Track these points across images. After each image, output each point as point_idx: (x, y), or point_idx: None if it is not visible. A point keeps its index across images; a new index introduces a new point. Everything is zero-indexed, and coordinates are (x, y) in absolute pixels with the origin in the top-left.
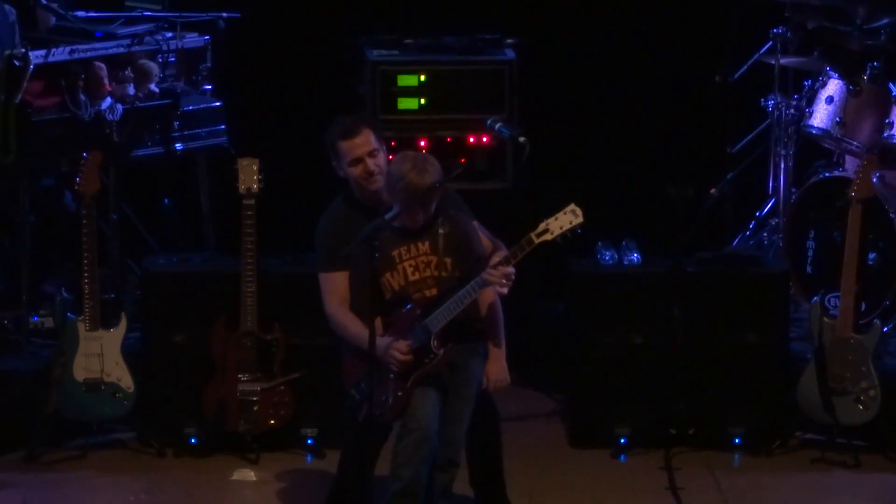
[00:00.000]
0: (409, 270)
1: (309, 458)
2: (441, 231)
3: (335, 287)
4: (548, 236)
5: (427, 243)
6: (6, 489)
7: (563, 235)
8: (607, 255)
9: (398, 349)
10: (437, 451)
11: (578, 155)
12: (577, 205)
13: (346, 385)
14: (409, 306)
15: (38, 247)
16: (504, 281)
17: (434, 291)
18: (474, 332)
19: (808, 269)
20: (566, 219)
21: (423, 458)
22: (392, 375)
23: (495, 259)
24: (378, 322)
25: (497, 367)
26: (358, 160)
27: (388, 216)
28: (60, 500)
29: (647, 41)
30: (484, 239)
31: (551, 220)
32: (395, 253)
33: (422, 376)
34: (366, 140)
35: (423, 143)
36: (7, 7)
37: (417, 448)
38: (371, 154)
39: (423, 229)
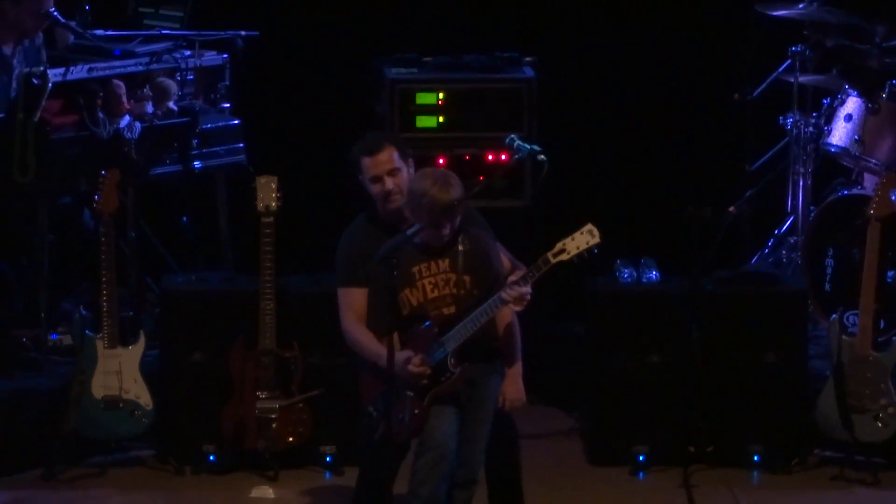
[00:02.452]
0: (429, 287)
1: (327, 475)
2: (461, 248)
3: (352, 303)
4: (564, 256)
5: (447, 261)
6: None
7: (580, 255)
8: (626, 273)
9: (413, 363)
10: (455, 470)
11: (597, 173)
12: (594, 225)
13: (363, 402)
14: (427, 324)
15: (57, 265)
16: (520, 300)
17: (452, 309)
18: (491, 351)
19: (827, 287)
20: (583, 239)
21: (441, 476)
22: (410, 394)
23: (512, 279)
24: (395, 338)
25: (513, 387)
26: (378, 178)
27: (409, 232)
28: None
29: (665, 59)
30: (504, 259)
31: (568, 239)
32: (415, 269)
33: (439, 394)
34: (388, 158)
35: (441, 161)
36: (40, 37)
37: (435, 466)
38: (391, 173)
39: (444, 247)
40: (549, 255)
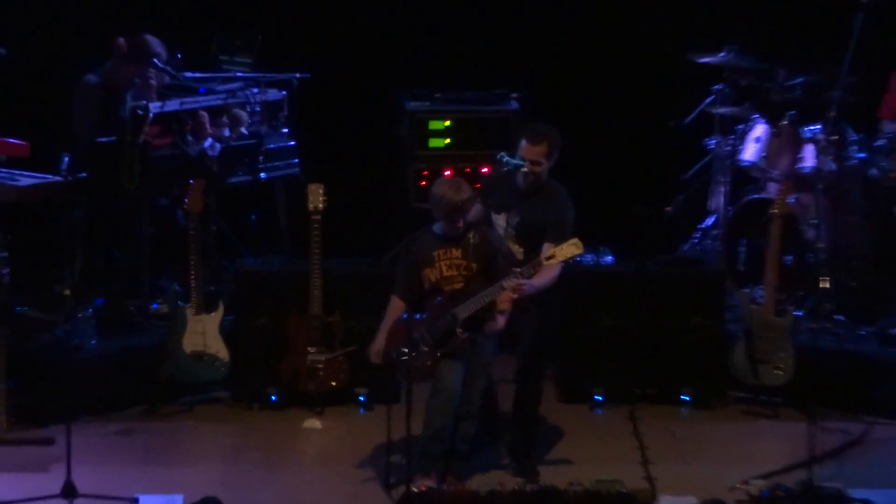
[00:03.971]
0: (444, 268)
1: (361, 410)
2: (472, 241)
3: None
4: (553, 261)
5: (460, 249)
6: (132, 435)
7: (565, 261)
8: (588, 258)
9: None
10: (459, 407)
11: (567, 181)
12: (580, 240)
13: (388, 351)
14: (439, 299)
15: (156, 252)
16: (516, 290)
17: (461, 286)
18: (485, 322)
19: (740, 268)
20: (570, 249)
21: (449, 412)
22: (425, 349)
23: (514, 272)
24: (398, 306)
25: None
26: (525, 161)
27: (433, 227)
28: (172, 443)
29: (620, 94)
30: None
31: (558, 248)
32: (434, 253)
33: (448, 352)
34: (465, 202)
35: (447, 173)
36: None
37: (445, 404)
38: (535, 163)
39: (458, 238)
40: (543, 258)
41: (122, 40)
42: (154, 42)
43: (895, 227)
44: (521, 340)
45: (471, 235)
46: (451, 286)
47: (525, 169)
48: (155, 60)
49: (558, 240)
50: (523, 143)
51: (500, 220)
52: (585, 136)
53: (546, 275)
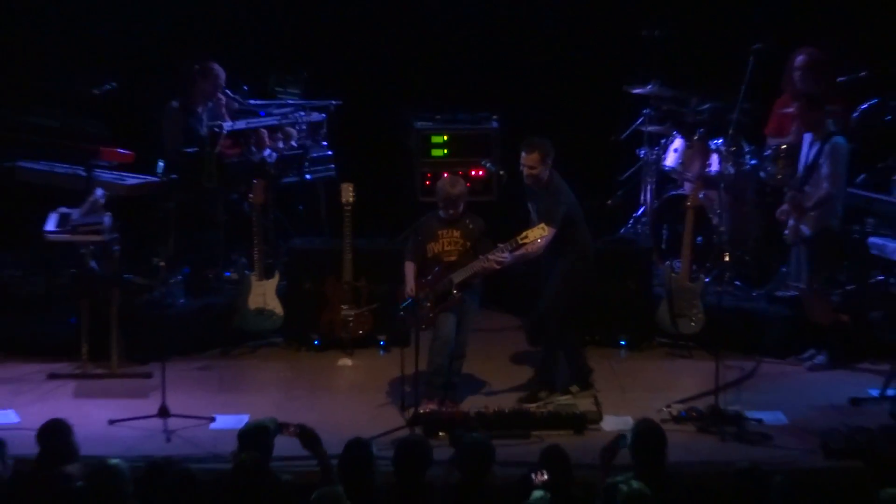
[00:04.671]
0: (445, 243)
1: (381, 352)
2: (468, 225)
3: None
4: (526, 240)
5: (458, 230)
6: (210, 371)
7: (536, 241)
8: None
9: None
10: (453, 350)
11: None
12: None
13: (398, 302)
14: (437, 269)
15: (228, 233)
16: (498, 262)
17: (455, 258)
18: (473, 286)
19: (664, 245)
20: (538, 231)
21: (446, 353)
22: (427, 304)
23: (498, 247)
24: (411, 268)
25: (500, 256)
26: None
27: (440, 211)
28: (240, 375)
29: (574, 116)
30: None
31: (530, 230)
32: (438, 232)
33: (445, 307)
34: (459, 195)
35: (445, 175)
36: (221, 98)
37: (443, 347)
38: (531, 168)
39: (457, 221)
40: (518, 238)
41: (196, 67)
42: (219, 70)
43: (775, 217)
44: (538, 303)
45: (468, 221)
46: (449, 258)
47: (524, 172)
48: (227, 91)
49: (546, 222)
50: (522, 152)
51: (531, 207)
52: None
53: (530, 249)
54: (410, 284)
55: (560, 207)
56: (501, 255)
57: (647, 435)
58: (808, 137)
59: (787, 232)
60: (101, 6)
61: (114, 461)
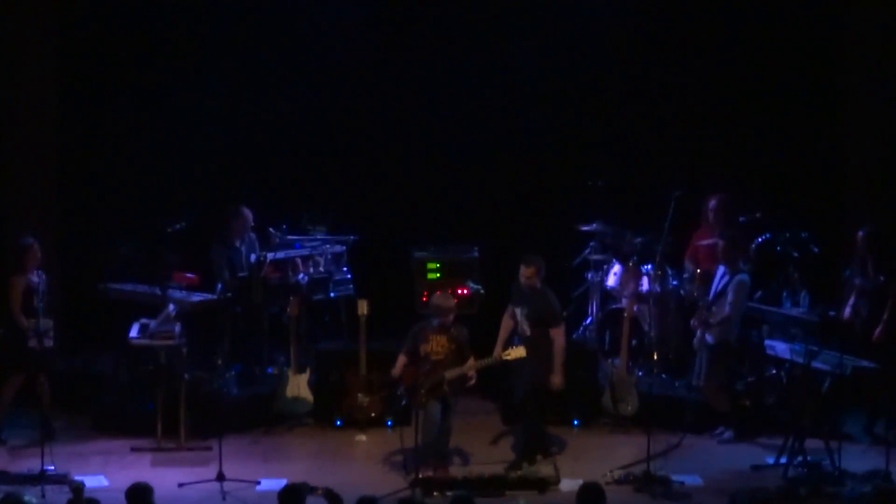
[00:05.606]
0: (434, 345)
1: (389, 430)
2: (454, 333)
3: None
4: (508, 357)
5: (445, 336)
6: (257, 444)
7: (515, 360)
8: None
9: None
10: (440, 428)
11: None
12: (524, 347)
13: (399, 393)
14: (427, 366)
15: (271, 338)
16: (471, 379)
17: (441, 357)
18: (456, 383)
19: (606, 347)
20: (518, 351)
21: (435, 430)
22: (423, 391)
23: (477, 360)
24: (402, 364)
25: (556, 379)
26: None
27: (433, 321)
28: (279, 448)
29: (535, 247)
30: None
31: (512, 349)
32: (430, 336)
33: (434, 396)
34: (449, 308)
35: (437, 293)
36: (252, 235)
37: (432, 427)
38: (529, 278)
39: (445, 329)
40: (503, 355)
41: (232, 210)
42: (247, 212)
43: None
44: (516, 392)
45: (454, 330)
46: (436, 357)
47: (522, 281)
48: (271, 228)
49: (552, 321)
50: (521, 266)
51: (518, 311)
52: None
53: (557, 348)
54: (398, 370)
55: (557, 307)
56: (472, 373)
57: (590, 493)
58: (721, 269)
59: (695, 341)
60: (173, 163)
61: None
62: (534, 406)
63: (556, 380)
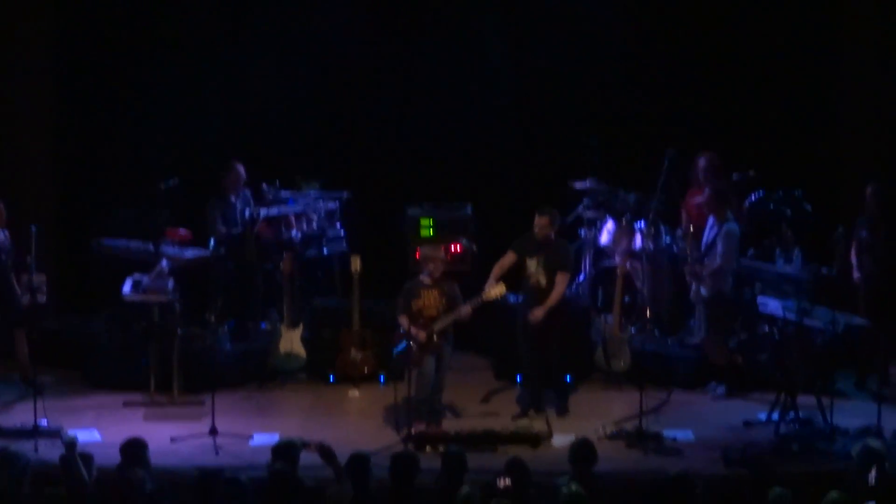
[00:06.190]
0: (426, 301)
1: (382, 386)
2: (444, 289)
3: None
4: (488, 297)
5: (436, 291)
6: (250, 400)
7: (496, 297)
8: (511, 297)
9: (420, 336)
10: (435, 383)
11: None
12: (503, 283)
13: (393, 347)
14: (421, 320)
15: (264, 294)
16: (466, 315)
17: (434, 313)
18: (447, 334)
19: (599, 304)
20: (498, 289)
21: (429, 386)
22: (414, 346)
23: (466, 303)
24: (406, 320)
25: (538, 312)
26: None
27: (421, 276)
28: (273, 404)
29: (529, 205)
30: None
31: (491, 289)
32: (422, 292)
33: (428, 350)
34: (437, 258)
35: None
36: (247, 191)
37: (426, 382)
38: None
39: (435, 284)
40: (482, 295)
41: (228, 166)
42: (240, 167)
43: (685, 282)
44: (522, 345)
45: (445, 285)
46: (429, 313)
47: (536, 231)
48: (264, 184)
49: (561, 269)
50: (535, 216)
51: (532, 262)
52: (509, 233)
53: (554, 295)
54: (412, 329)
55: (570, 256)
56: (467, 309)
57: (582, 449)
58: (710, 220)
59: (692, 293)
60: (167, 121)
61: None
62: (563, 357)
63: (538, 313)
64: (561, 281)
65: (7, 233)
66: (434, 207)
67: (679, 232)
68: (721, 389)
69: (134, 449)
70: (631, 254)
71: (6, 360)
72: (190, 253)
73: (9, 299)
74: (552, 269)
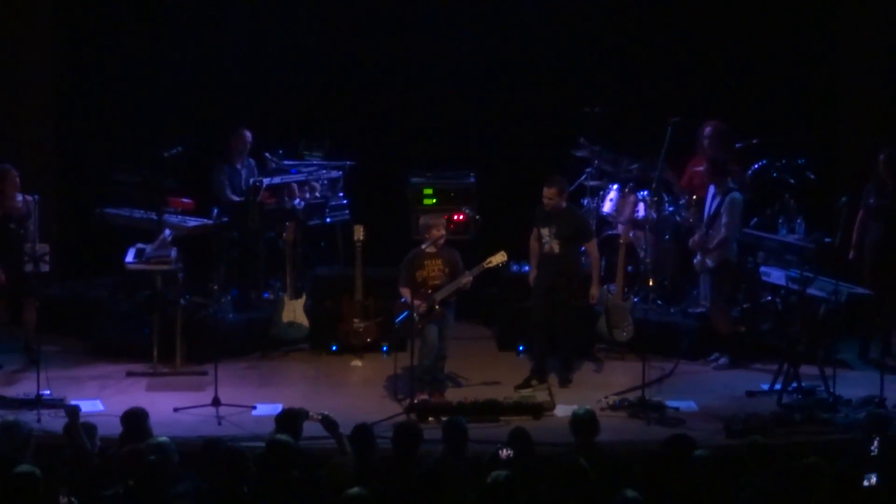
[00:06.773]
0: (429, 270)
1: (384, 355)
2: (446, 256)
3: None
4: (490, 265)
5: (439, 260)
6: (253, 370)
7: (497, 265)
8: (514, 267)
9: (420, 308)
10: (437, 353)
11: (507, 225)
12: (504, 251)
13: (395, 316)
14: (422, 290)
15: (267, 264)
16: (467, 284)
17: (438, 282)
18: (450, 303)
19: (602, 273)
20: (500, 257)
21: (432, 356)
22: (416, 317)
23: (467, 272)
24: (409, 292)
25: (595, 291)
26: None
27: (423, 246)
28: (275, 374)
29: (533, 172)
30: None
31: (492, 256)
32: (425, 262)
33: (430, 319)
34: (438, 224)
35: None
36: (251, 160)
37: (429, 351)
38: (550, 199)
39: (437, 254)
40: (483, 263)
41: (235, 131)
42: (246, 133)
43: (688, 252)
44: (534, 312)
45: (447, 253)
46: (433, 282)
47: (545, 202)
48: (266, 153)
49: (585, 236)
50: (544, 187)
51: (546, 231)
52: (513, 202)
53: (594, 260)
54: (415, 300)
55: (586, 221)
56: (468, 278)
57: (585, 419)
58: (712, 190)
59: (696, 262)
60: (170, 89)
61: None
62: (573, 326)
63: (595, 291)
64: (592, 248)
65: (24, 198)
66: (437, 176)
67: (682, 201)
68: (724, 359)
69: (135, 419)
70: (634, 223)
71: (17, 328)
72: (193, 222)
73: (20, 268)
74: (564, 238)
